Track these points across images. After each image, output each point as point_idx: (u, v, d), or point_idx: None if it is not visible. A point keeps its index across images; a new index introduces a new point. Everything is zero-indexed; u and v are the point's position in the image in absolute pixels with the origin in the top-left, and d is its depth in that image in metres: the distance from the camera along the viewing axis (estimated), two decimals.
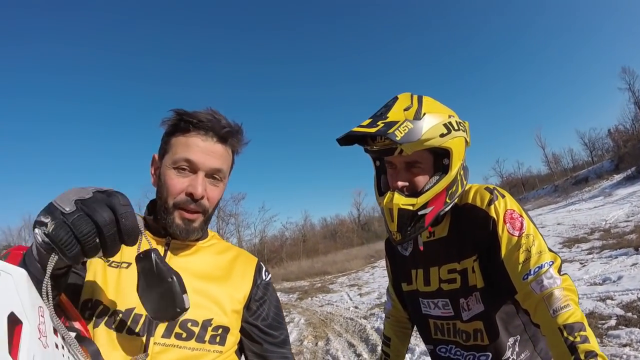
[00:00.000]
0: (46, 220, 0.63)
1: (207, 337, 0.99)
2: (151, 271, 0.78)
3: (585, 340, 0.94)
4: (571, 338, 0.95)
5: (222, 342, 1.02)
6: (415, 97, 1.19)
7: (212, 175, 1.05)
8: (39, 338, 0.53)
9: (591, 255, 8.33)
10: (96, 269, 0.97)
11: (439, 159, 1.19)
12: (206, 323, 1.00)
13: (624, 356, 3.68)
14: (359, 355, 5.72)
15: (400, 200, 1.15)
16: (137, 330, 0.93)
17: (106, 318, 0.93)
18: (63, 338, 0.63)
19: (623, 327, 4.35)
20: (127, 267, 0.98)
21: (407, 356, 4.70)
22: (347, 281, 15.78)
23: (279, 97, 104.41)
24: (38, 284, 0.70)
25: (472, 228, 1.20)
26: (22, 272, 0.55)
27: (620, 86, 44.48)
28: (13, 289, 0.52)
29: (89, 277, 0.97)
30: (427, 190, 1.16)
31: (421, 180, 1.19)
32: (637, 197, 17.05)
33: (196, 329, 0.98)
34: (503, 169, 60.04)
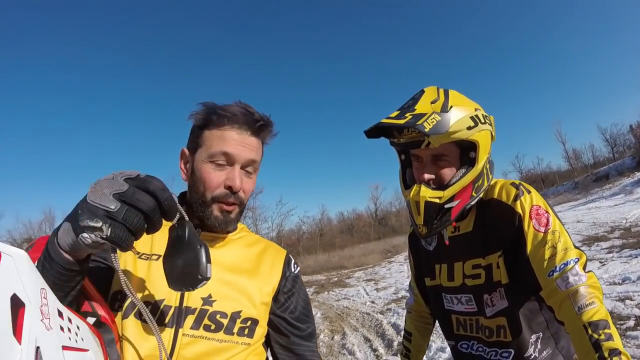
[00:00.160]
0: (98, 225, 0.65)
1: (235, 329, 0.99)
2: (182, 238, 0.78)
3: (610, 338, 0.94)
4: (595, 335, 0.95)
5: (251, 335, 1.02)
6: (441, 91, 1.19)
7: (247, 167, 1.06)
8: (41, 320, 0.53)
9: (611, 254, 8.14)
10: (126, 261, 0.98)
11: (465, 152, 1.18)
12: (235, 315, 1.00)
13: None
14: (375, 350, 5.72)
15: (427, 193, 1.15)
16: (166, 321, 0.94)
17: (135, 309, 0.93)
18: (70, 320, 0.63)
19: None
20: (157, 259, 0.99)
21: None
22: (363, 276, 15.77)
23: (297, 94, 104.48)
24: (60, 274, 0.72)
25: (497, 223, 1.19)
26: (22, 254, 0.54)
27: None
28: (14, 271, 0.51)
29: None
30: (453, 183, 1.16)
31: (448, 173, 1.18)
32: None
33: (225, 321, 0.98)
34: (522, 165, 58.83)
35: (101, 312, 0.84)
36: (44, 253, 0.73)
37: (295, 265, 1.19)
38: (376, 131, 1.19)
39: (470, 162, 1.17)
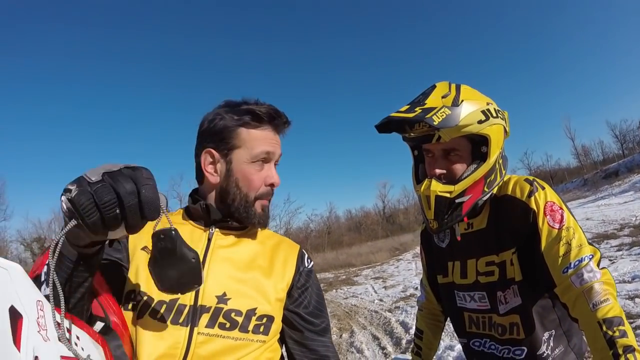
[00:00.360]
0: (72, 188, 0.65)
1: (250, 327, 0.99)
2: (172, 251, 0.78)
3: (624, 334, 0.94)
4: (610, 332, 0.95)
5: (266, 332, 1.01)
6: (453, 85, 1.19)
7: (277, 162, 1.12)
8: (38, 331, 0.54)
9: (620, 252, 8.09)
10: (139, 261, 0.99)
11: (477, 146, 1.17)
12: (250, 313, 0.99)
13: None
14: (383, 348, 5.72)
15: (438, 187, 1.15)
16: (180, 320, 0.94)
17: (150, 309, 0.94)
18: (68, 330, 0.63)
19: None
20: None
21: None
22: (371, 274, 15.79)
23: (306, 94, 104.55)
24: (68, 268, 0.72)
25: (511, 220, 1.18)
26: (17, 267, 0.56)
27: None
28: (10, 283, 0.53)
29: (132, 268, 0.98)
30: (465, 178, 1.15)
31: (459, 168, 1.17)
32: None
33: (240, 319, 0.98)
34: (531, 161, 58.23)
35: (113, 316, 0.84)
36: (53, 249, 0.73)
37: (309, 260, 1.18)
38: (387, 126, 1.18)
39: (482, 157, 1.17)
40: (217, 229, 1.07)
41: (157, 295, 0.95)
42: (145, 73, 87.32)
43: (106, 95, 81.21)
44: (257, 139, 1.05)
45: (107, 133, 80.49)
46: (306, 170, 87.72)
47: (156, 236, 0.78)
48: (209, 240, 1.05)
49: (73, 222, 0.66)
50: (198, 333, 0.94)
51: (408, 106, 1.15)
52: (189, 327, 0.94)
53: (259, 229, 1.16)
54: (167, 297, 0.95)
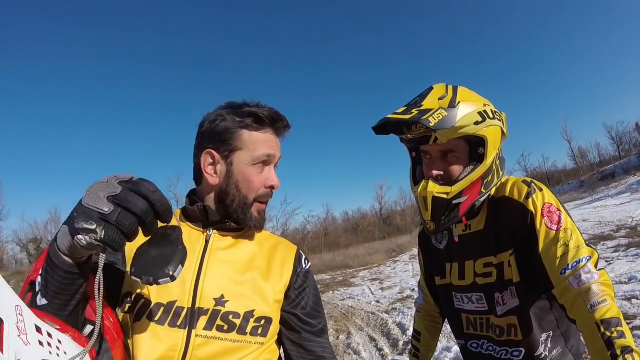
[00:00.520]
0: (93, 227, 0.66)
1: (248, 329, 0.99)
2: (166, 235, 0.80)
3: (622, 335, 0.95)
4: (608, 333, 0.96)
5: (264, 334, 1.01)
6: (450, 87, 1.19)
7: (276, 165, 1.12)
8: (18, 336, 0.55)
9: (617, 254, 8.12)
10: None
11: (475, 148, 1.18)
12: (248, 315, 0.99)
13: None
14: (380, 350, 5.71)
15: (435, 189, 1.15)
16: (178, 323, 0.94)
17: (148, 311, 0.94)
18: (49, 335, 0.64)
19: None
20: None
21: None
22: (368, 275, 15.75)
23: (303, 94, 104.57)
24: (62, 278, 0.73)
25: (509, 221, 1.18)
26: None
27: None
28: None
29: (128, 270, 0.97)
30: (461, 179, 1.16)
31: (456, 169, 1.18)
32: None
33: (238, 321, 0.98)
34: (528, 163, 58.46)
35: (105, 320, 0.84)
36: (46, 259, 0.75)
37: (307, 261, 1.18)
38: (385, 128, 1.19)
39: (479, 158, 1.17)
40: (214, 231, 1.06)
41: (154, 297, 0.95)
42: (143, 74, 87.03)
43: (103, 96, 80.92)
44: (258, 142, 1.05)
45: (103, 133, 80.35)
46: (303, 171, 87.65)
47: (163, 227, 0.80)
48: (207, 242, 1.04)
49: (103, 257, 0.70)
50: (196, 335, 0.94)
51: (405, 108, 1.15)
52: (187, 330, 0.94)
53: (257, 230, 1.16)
54: (164, 299, 0.95)
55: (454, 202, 1.16)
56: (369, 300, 9.95)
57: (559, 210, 1.13)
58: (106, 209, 0.67)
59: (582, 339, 1.09)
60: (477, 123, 1.12)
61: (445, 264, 1.37)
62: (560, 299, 1.09)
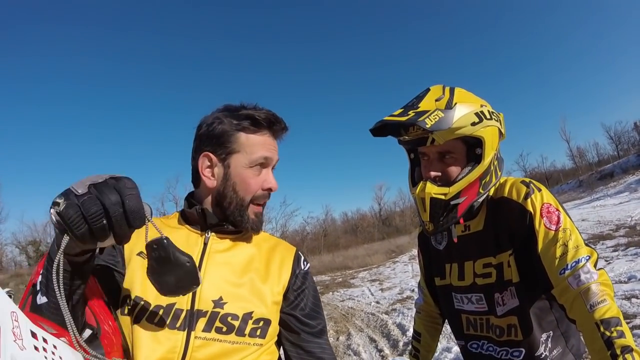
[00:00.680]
0: (60, 201, 0.68)
1: (247, 331, 0.99)
2: (167, 258, 0.80)
3: (622, 335, 0.95)
4: (608, 333, 0.96)
5: (263, 335, 1.02)
6: (447, 88, 1.20)
7: (274, 167, 1.12)
8: (14, 341, 0.56)
9: (616, 253, 8.16)
10: (135, 266, 0.99)
11: (472, 148, 1.18)
12: (246, 316, 1.00)
13: None
14: (380, 351, 5.72)
15: (432, 190, 1.15)
16: (178, 325, 0.95)
17: (147, 314, 0.94)
18: (45, 340, 0.65)
19: None
20: None
21: None
22: (368, 276, 15.76)
23: (301, 96, 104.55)
24: (60, 272, 0.72)
25: (508, 222, 1.19)
26: None
27: None
28: None
29: (128, 274, 0.98)
30: (459, 180, 1.16)
31: (454, 170, 1.18)
32: None
33: (236, 323, 0.98)
34: (527, 163, 58.58)
35: (104, 325, 0.85)
36: (47, 258, 0.76)
37: (305, 262, 1.18)
38: (382, 129, 1.19)
39: (477, 159, 1.17)
40: (213, 233, 1.07)
41: (153, 300, 0.95)
42: (142, 74, 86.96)
43: (102, 97, 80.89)
44: (255, 144, 1.05)
45: (103, 134, 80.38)
46: (302, 172, 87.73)
47: (149, 247, 0.80)
48: (205, 244, 1.05)
49: (67, 238, 0.68)
50: (195, 337, 0.94)
51: (402, 110, 1.16)
52: (186, 332, 0.95)
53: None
54: (163, 301, 0.95)
55: (452, 202, 1.16)
56: (368, 301, 9.95)
57: (557, 210, 1.14)
58: (80, 191, 0.68)
59: (582, 338, 1.10)
60: (473, 124, 1.12)
61: (444, 265, 1.37)
62: (560, 299, 1.09)
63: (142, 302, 0.95)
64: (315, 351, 1.10)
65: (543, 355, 1.18)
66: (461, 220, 1.24)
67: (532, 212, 1.13)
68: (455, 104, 1.13)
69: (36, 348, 0.61)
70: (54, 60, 71.46)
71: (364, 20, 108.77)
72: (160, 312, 0.95)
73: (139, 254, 0.99)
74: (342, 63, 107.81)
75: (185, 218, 1.10)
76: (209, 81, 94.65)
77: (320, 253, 38.79)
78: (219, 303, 0.98)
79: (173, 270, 0.80)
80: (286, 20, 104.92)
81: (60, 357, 0.66)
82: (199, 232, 1.07)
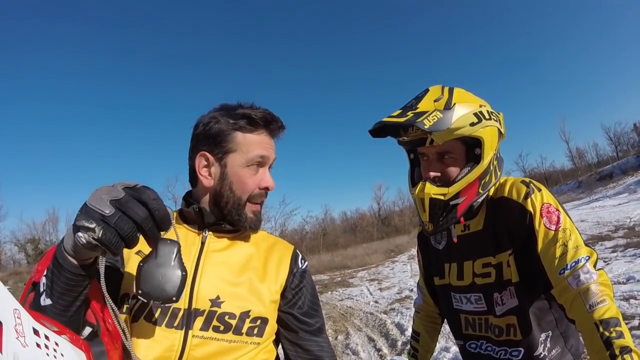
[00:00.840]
0: (92, 226, 0.68)
1: (244, 329, 1.00)
2: (169, 257, 0.83)
3: (621, 335, 0.95)
4: (607, 333, 0.96)
5: (260, 334, 1.02)
6: (446, 89, 1.20)
7: (271, 166, 1.12)
8: (16, 338, 0.56)
9: (615, 254, 8.14)
10: (134, 265, 0.98)
11: (471, 149, 1.18)
12: (243, 315, 1.00)
13: None
14: (378, 350, 5.72)
15: (432, 190, 1.16)
16: (175, 324, 0.95)
17: (145, 312, 0.95)
18: (47, 337, 0.65)
19: None
20: None
21: None
22: (367, 275, 15.75)
23: (301, 95, 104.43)
24: (69, 280, 0.74)
25: (508, 221, 1.19)
26: None
27: None
28: None
29: (127, 272, 0.99)
30: (458, 180, 1.16)
31: (453, 170, 1.18)
32: None
33: (233, 322, 0.99)
34: (526, 164, 58.50)
35: (104, 323, 0.85)
36: (52, 260, 0.76)
37: (303, 261, 1.19)
38: (381, 130, 1.20)
39: (476, 159, 1.17)
40: (210, 232, 1.07)
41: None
42: (142, 73, 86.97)
43: (101, 95, 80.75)
44: (252, 143, 1.05)
45: (102, 132, 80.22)
46: (302, 172, 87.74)
47: (163, 241, 0.83)
48: (203, 244, 1.05)
49: (103, 259, 0.74)
50: (193, 336, 0.95)
51: (400, 110, 1.16)
52: (183, 330, 0.95)
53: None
54: None
55: (451, 203, 1.16)
56: (367, 300, 9.95)
57: (557, 210, 1.14)
58: (107, 211, 0.69)
59: (581, 338, 1.10)
60: (472, 124, 1.12)
61: (444, 265, 1.37)
62: (559, 299, 1.09)
63: (140, 301, 0.95)
64: (314, 349, 1.10)
65: (542, 355, 1.18)
66: (462, 220, 1.24)
67: (532, 212, 1.14)
68: (454, 104, 1.13)
69: (38, 345, 0.61)
70: (54, 58, 71.38)
71: (363, 18, 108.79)
72: (158, 311, 0.95)
73: (138, 252, 0.99)
74: (341, 61, 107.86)
75: (183, 217, 1.10)
76: (208, 80, 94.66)
77: (319, 252, 38.76)
78: (216, 302, 0.98)
79: (166, 270, 0.82)
80: (285, 17, 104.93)
81: (62, 355, 0.66)
82: (197, 231, 1.07)
